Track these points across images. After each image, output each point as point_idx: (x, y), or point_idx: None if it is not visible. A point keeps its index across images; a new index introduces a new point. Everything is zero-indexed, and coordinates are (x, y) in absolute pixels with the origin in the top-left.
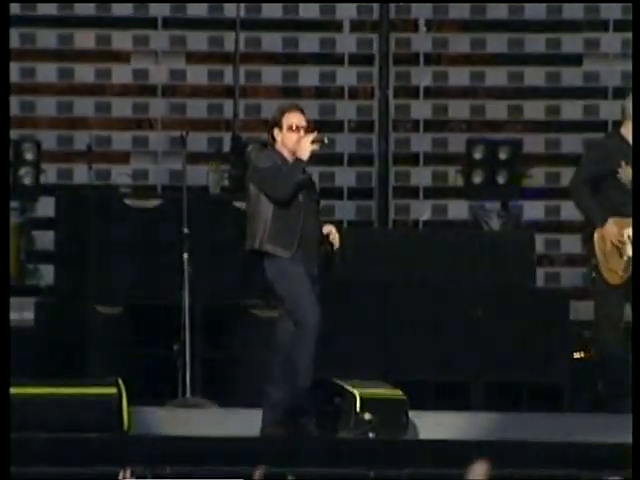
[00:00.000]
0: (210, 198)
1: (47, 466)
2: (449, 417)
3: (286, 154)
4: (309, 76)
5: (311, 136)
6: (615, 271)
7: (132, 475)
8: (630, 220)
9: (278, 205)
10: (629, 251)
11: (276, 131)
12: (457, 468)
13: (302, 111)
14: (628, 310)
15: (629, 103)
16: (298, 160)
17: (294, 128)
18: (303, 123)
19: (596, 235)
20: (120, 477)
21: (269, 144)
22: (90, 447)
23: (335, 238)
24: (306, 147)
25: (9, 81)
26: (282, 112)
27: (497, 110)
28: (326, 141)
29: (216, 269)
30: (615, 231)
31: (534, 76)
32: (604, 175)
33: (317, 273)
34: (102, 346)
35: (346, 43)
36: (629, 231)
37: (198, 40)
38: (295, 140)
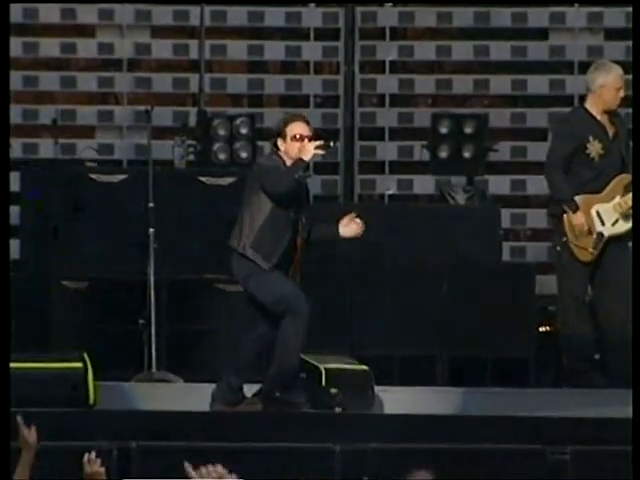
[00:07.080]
0: (176, 172)
1: (11, 440)
2: (414, 392)
3: (289, 163)
4: (275, 50)
5: (317, 142)
6: (586, 248)
7: (97, 455)
8: (598, 196)
9: (272, 214)
10: (598, 227)
11: (280, 141)
12: (422, 443)
13: (306, 121)
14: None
15: (592, 76)
16: (300, 160)
17: (298, 137)
18: (307, 132)
19: (566, 217)
20: (85, 459)
21: (273, 152)
22: (56, 422)
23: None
24: (310, 150)
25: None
26: (285, 122)
27: (463, 84)
28: (332, 145)
29: (182, 243)
30: (582, 221)
31: (500, 50)
32: (573, 152)
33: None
34: (68, 321)
35: (312, 17)
36: (597, 207)
37: (163, 14)
38: (298, 149)
